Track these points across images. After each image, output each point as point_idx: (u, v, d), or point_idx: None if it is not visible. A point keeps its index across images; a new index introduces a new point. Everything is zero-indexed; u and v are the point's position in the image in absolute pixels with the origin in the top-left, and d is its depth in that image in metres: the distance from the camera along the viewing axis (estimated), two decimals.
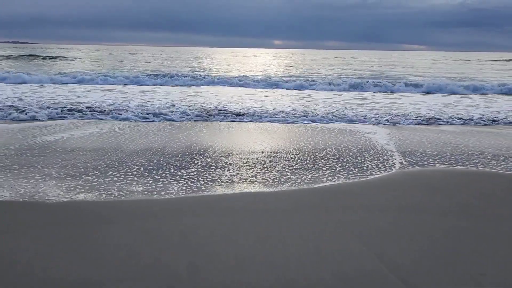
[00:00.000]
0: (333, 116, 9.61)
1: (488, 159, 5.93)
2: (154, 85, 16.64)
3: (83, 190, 4.32)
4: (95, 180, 4.65)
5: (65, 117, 8.93)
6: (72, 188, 4.36)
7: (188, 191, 4.35)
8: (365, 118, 9.44)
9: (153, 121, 8.78)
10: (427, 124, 9.06)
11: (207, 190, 4.41)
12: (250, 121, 9.03)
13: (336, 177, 4.93)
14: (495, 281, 2.68)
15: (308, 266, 2.80)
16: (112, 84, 16.42)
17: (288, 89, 16.13)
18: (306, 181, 4.77)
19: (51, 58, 35.40)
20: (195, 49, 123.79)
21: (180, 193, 4.27)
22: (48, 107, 9.81)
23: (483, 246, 3.16)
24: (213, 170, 5.13)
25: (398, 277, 2.68)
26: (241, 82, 17.35)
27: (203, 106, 10.68)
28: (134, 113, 9.35)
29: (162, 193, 4.27)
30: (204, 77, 18.45)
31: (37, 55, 37.34)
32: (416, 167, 5.47)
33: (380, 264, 2.84)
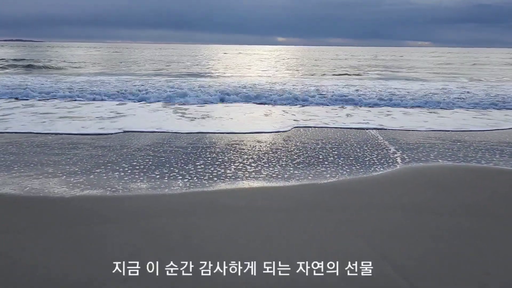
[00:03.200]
0: None
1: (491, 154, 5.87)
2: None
3: (88, 187, 4.32)
4: (96, 177, 4.66)
5: None
6: (76, 186, 4.36)
7: (192, 187, 4.35)
8: None
9: None
10: None
11: (210, 187, 4.40)
12: None
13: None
14: (500, 281, 2.65)
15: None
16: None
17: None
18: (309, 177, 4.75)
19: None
20: (202, 47, 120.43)
21: (183, 190, 4.26)
22: None
23: (488, 245, 3.13)
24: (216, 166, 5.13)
25: (402, 276, 2.66)
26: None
27: None
28: None
29: (166, 190, 4.27)
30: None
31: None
32: (420, 163, 5.43)
33: (384, 263, 2.82)
